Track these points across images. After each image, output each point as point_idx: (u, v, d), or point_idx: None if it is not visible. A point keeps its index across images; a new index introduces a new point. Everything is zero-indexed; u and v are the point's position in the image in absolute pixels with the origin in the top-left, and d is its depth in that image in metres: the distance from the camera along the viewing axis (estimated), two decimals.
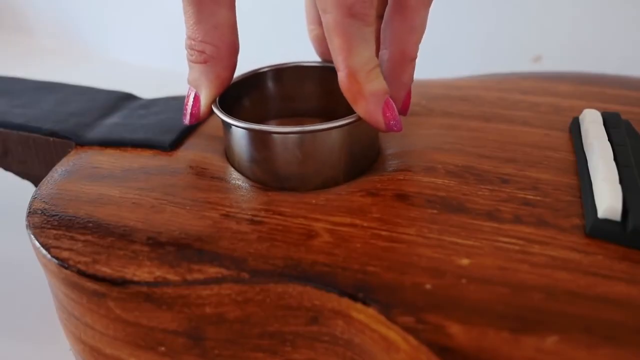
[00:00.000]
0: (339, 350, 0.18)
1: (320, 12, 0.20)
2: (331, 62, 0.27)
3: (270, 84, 0.28)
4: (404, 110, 0.24)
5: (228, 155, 0.24)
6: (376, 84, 0.21)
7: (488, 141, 0.25)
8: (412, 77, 0.23)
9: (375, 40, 0.20)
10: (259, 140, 0.22)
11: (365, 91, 0.20)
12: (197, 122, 0.25)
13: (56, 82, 0.34)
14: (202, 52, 0.23)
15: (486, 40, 0.49)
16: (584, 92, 0.29)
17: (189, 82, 0.24)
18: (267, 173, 0.22)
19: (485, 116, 0.27)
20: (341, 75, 0.20)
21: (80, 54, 0.71)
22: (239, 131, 0.22)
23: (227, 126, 0.23)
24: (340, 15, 0.19)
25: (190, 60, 0.23)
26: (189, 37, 0.23)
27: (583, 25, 0.45)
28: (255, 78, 0.27)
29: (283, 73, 0.28)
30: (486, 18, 0.49)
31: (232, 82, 0.25)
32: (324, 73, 0.27)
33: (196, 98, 0.24)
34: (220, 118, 0.23)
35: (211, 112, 0.24)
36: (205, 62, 0.23)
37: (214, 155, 0.25)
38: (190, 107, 0.24)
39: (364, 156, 0.23)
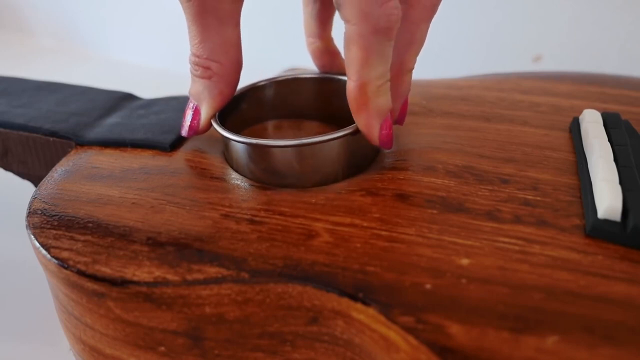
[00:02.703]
0: (339, 350, 0.18)
1: (342, 19, 0.19)
2: (329, 73, 0.27)
3: (268, 95, 0.28)
4: (400, 120, 0.24)
5: (227, 158, 0.25)
6: (382, 100, 0.21)
7: (488, 141, 0.25)
8: (409, 88, 0.23)
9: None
10: (257, 152, 0.22)
11: (371, 105, 0.20)
12: (192, 136, 0.25)
13: (56, 82, 0.34)
14: (207, 68, 0.23)
15: (486, 40, 0.49)
16: (584, 92, 0.29)
17: (191, 94, 0.24)
18: (266, 174, 0.23)
19: (485, 116, 0.27)
20: (351, 85, 0.20)
21: (80, 54, 0.72)
22: (238, 144, 0.23)
23: (226, 139, 0.23)
24: (365, 29, 0.19)
25: (194, 75, 0.23)
26: (193, 54, 0.23)
27: (583, 25, 0.45)
28: (254, 91, 0.27)
29: (280, 85, 0.28)
30: (486, 18, 0.49)
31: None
32: (321, 83, 0.28)
33: (196, 111, 0.24)
34: (219, 132, 0.23)
35: (210, 126, 0.24)
36: (209, 77, 0.23)
37: (214, 155, 0.25)
38: (190, 120, 0.24)
39: (363, 158, 0.23)
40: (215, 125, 0.23)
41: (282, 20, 0.56)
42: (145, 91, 0.34)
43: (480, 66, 0.38)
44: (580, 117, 0.26)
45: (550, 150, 0.24)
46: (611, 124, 0.24)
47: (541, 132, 0.25)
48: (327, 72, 0.28)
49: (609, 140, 0.23)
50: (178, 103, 0.30)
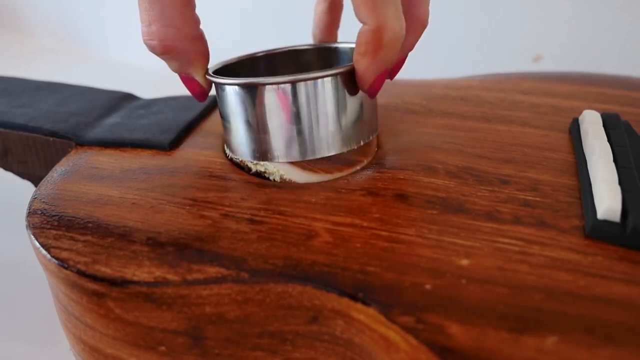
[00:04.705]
0: (339, 350, 0.18)
1: None
2: (323, 42, 0.27)
3: (265, 66, 0.28)
4: (392, 76, 0.24)
5: (225, 138, 0.24)
6: (391, 54, 0.20)
7: (488, 142, 0.25)
8: (414, 45, 0.23)
9: None
10: (252, 96, 0.22)
11: (380, 54, 0.20)
12: (207, 97, 0.24)
13: (56, 82, 0.34)
14: (162, 40, 0.21)
15: (486, 40, 0.49)
16: (584, 93, 0.30)
17: (174, 71, 0.23)
18: (263, 143, 0.22)
19: (485, 117, 0.27)
20: (365, 28, 0.20)
21: (80, 54, 0.72)
22: (232, 93, 0.22)
23: (221, 90, 0.23)
24: None
25: (155, 53, 0.22)
26: (142, 23, 0.21)
27: (583, 25, 0.45)
28: (251, 61, 0.27)
29: (278, 56, 0.27)
30: (486, 18, 0.49)
31: (227, 63, 0.25)
32: (318, 54, 0.27)
33: (190, 79, 0.23)
34: (214, 81, 0.23)
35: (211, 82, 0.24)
36: (173, 50, 0.22)
37: (213, 154, 0.25)
38: (192, 89, 0.24)
39: (361, 121, 0.23)
40: (210, 78, 0.23)
41: (282, 20, 0.56)
42: (145, 91, 0.34)
43: (480, 66, 0.38)
44: (580, 118, 0.26)
45: (550, 151, 0.24)
46: (611, 124, 0.24)
47: (541, 133, 0.25)
48: (322, 41, 0.27)
49: (609, 141, 0.23)
50: (177, 103, 0.30)
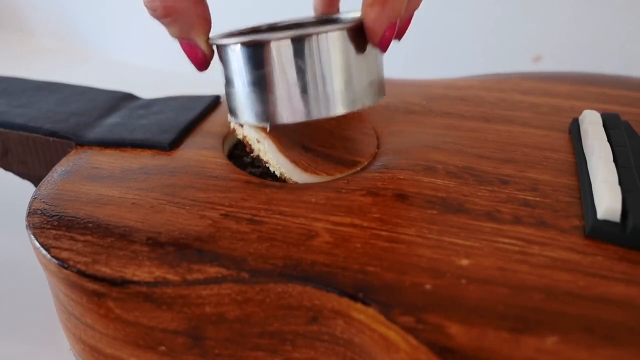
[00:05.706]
0: (339, 350, 0.18)
1: None
2: (325, 14, 0.27)
3: None
4: (400, 35, 0.23)
5: (229, 105, 0.24)
6: (400, 3, 0.20)
7: (488, 142, 0.25)
8: (418, 6, 0.23)
9: None
10: (257, 54, 0.21)
11: (388, 3, 0.20)
12: (208, 66, 0.24)
13: (56, 82, 0.34)
14: (163, 1, 0.21)
15: (486, 40, 0.49)
16: (584, 93, 0.30)
17: (175, 37, 0.23)
18: (269, 103, 0.22)
19: (485, 117, 0.27)
20: None
21: (80, 54, 0.72)
22: (237, 52, 0.21)
23: (224, 53, 0.22)
24: None
25: (156, 17, 0.22)
26: None
27: (583, 25, 0.45)
28: (254, 33, 0.26)
29: (280, 29, 0.27)
30: (486, 18, 0.49)
31: (230, 34, 0.25)
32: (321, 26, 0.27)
33: (190, 46, 0.23)
34: (217, 43, 0.22)
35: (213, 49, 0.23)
36: (175, 11, 0.21)
37: (213, 154, 0.25)
38: (193, 57, 0.23)
39: (369, 81, 0.22)
40: (213, 41, 0.22)
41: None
42: (145, 91, 0.34)
43: (480, 66, 0.38)
44: (580, 118, 0.26)
45: (550, 151, 0.24)
46: (611, 124, 0.24)
47: (541, 133, 0.25)
48: (322, 13, 0.27)
49: (609, 141, 0.23)
50: (177, 103, 0.30)
